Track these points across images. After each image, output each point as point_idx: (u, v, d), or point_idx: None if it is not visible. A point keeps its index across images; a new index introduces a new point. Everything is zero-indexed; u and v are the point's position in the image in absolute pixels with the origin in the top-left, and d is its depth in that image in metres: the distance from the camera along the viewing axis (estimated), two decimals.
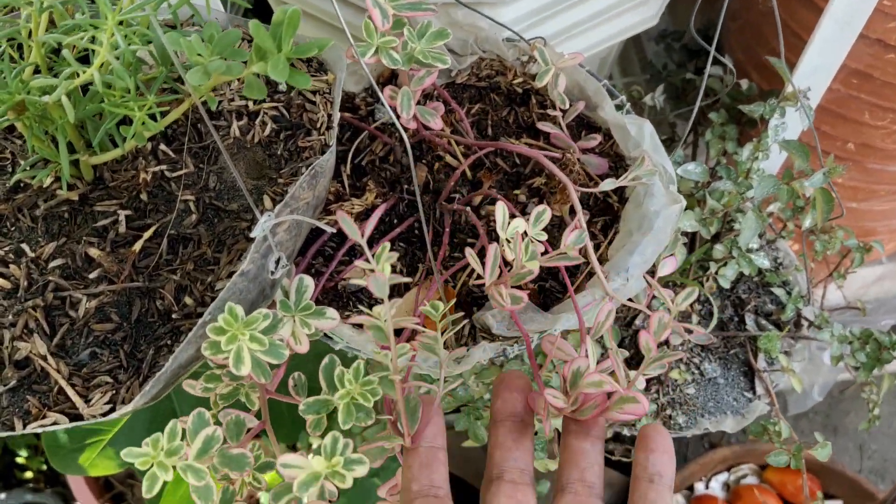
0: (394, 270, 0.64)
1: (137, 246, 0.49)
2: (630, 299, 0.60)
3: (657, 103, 0.88)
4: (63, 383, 0.45)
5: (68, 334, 0.47)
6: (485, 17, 0.68)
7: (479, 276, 0.62)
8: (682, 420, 0.78)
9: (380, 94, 0.45)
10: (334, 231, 0.57)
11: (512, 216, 0.61)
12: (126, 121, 0.46)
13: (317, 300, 0.62)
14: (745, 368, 0.82)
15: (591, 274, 0.61)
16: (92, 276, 0.48)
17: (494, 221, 0.65)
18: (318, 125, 0.55)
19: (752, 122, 0.81)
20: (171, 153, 0.52)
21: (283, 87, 0.56)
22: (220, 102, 0.54)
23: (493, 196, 0.63)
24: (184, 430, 0.44)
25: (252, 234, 0.45)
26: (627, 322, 0.83)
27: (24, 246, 0.49)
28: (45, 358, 0.46)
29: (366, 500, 1.13)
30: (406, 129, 0.68)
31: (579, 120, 0.69)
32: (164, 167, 0.51)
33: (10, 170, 0.52)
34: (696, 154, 0.92)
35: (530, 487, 0.45)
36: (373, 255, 0.64)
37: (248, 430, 0.49)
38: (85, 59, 0.52)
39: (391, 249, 0.65)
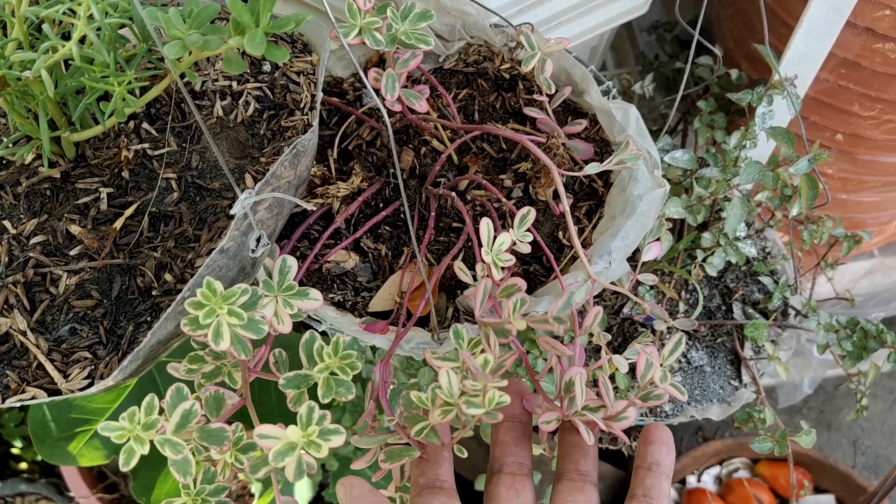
0: (379, 254, 0.64)
1: (119, 223, 0.49)
2: (614, 283, 0.60)
3: (646, 92, 0.88)
4: (42, 358, 0.45)
5: (48, 310, 0.47)
6: (472, 3, 0.68)
7: (463, 259, 0.62)
8: (667, 407, 0.78)
9: (362, 75, 0.45)
10: (314, 209, 0.57)
11: (497, 201, 0.61)
12: (107, 97, 0.47)
13: (301, 282, 0.62)
14: (732, 357, 0.82)
15: (576, 258, 0.61)
16: (73, 252, 0.49)
17: (480, 206, 0.65)
18: (302, 105, 0.55)
19: (741, 111, 0.81)
20: (153, 132, 0.52)
21: (267, 68, 0.56)
22: (203, 82, 0.55)
23: (478, 181, 0.64)
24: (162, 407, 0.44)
25: (232, 212, 0.45)
26: (616, 310, 0.83)
27: (6, 222, 0.49)
28: (24, 333, 0.46)
29: None
30: (392, 113, 0.68)
31: (566, 105, 0.69)
32: (146, 145, 0.51)
33: None
34: (686, 143, 0.92)
35: (528, 479, 0.50)
36: (358, 239, 0.64)
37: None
38: (70, 37, 0.52)
39: (377, 232, 0.65)
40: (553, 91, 0.65)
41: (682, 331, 0.82)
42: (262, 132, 0.53)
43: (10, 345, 0.46)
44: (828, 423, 1.63)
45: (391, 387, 0.83)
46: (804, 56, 0.74)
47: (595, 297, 0.86)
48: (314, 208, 0.52)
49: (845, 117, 0.87)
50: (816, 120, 0.90)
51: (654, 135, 0.80)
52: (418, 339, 0.58)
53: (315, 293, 0.49)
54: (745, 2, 0.90)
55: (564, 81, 0.68)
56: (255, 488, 1.23)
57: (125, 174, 0.51)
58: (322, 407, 0.45)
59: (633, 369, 0.80)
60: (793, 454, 0.71)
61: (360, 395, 0.97)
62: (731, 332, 0.83)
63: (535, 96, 0.67)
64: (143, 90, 0.48)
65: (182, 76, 0.46)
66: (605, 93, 0.67)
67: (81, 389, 0.44)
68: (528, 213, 0.54)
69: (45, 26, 0.43)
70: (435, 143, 0.68)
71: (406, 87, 0.61)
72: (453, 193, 0.64)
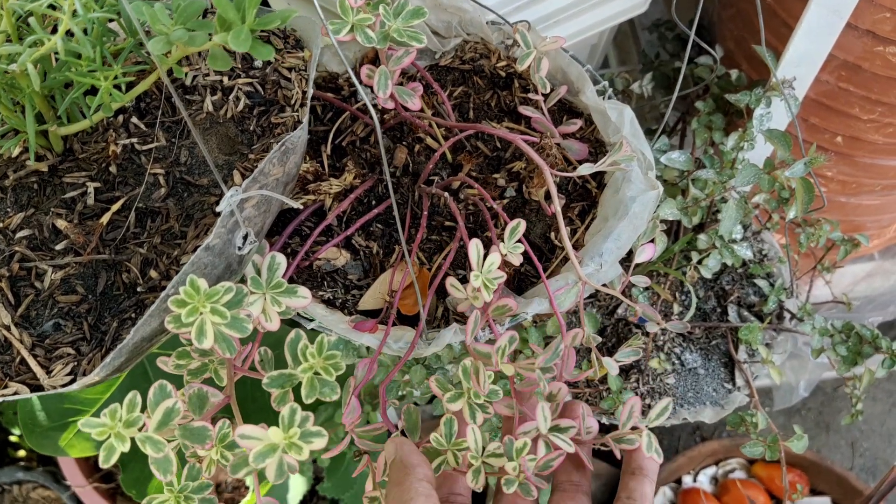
0: (371, 251, 0.64)
1: (105, 218, 0.49)
2: (605, 285, 0.59)
3: (645, 91, 0.88)
4: (25, 354, 0.45)
5: (33, 305, 0.47)
6: (469, 0, 0.67)
7: (454, 261, 0.62)
8: None
9: (351, 73, 0.44)
10: (301, 207, 0.57)
11: (489, 205, 0.61)
12: (95, 92, 0.46)
13: (291, 279, 0.62)
14: (726, 359, 0.81)
15: (567, 259, 0.61)
16: (59, 247, 0.48)
17: (473, 205, 0.65)
18: (293, 102, 0.54)
19: (740, 112, 0.81)
20: (142, 126, 0.52)
21: (258, 63, 0.56)
22: (194, 77, 0.54)
23: (469, 184, 0.63)
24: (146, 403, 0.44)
25: (218, 209, 0.45)
26: (610, 310, 0.83)
27: None
28: (8, 328, 0.46)
29: (350, 486, 1.13)
30: (386, 110, 0.68)
31: (561, 105, 0.69)
32: (134, 140, 0.51)
33: None
34: (684, 143, 0.91)
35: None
36: (349, 236, 0.64)
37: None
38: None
39: (369, 230, 0.65)
40: (548, 90, 0.65)
41: (677, 333, 0.82)
42: (251, 128, 0.53)
43: None
44: (826, 425, 1.63)
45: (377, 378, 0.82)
46: (803, 58, 0.73)
47: (590, 297, 0.86)
48: (301, 206, 0.52)
49: (845, 120, 0.86)
50: (816, 122, 0.89)
51: (653, 134, 0.80)
52: (407, 339, 0.58)
53: (304, 291, 0.49)
54: (746, 2, 0.89)
55: (560, 80, 0.68)
56: (250, 480, 1.24)
57: (113, 169, 0.51)
58: (307, 407, 0.45)
59: (624, 371, 0.80)
60: (789, 456, 0.71)
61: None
62: (726, 334, 0.82)
63: (531, 95, 0.67)
64: (132, 85, 0.48)
65: (169, 72, 0.46)
66: (601, 92, 0.66)
67: (63, 386, 0.44)
68: (518, 226, 0.54)
69: (32, 20, 0.43)
70: (429, 140, 0.67)
71: (401, 83, 0.61)
72: (446, 193, 0.63)
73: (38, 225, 0.49)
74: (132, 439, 0.43)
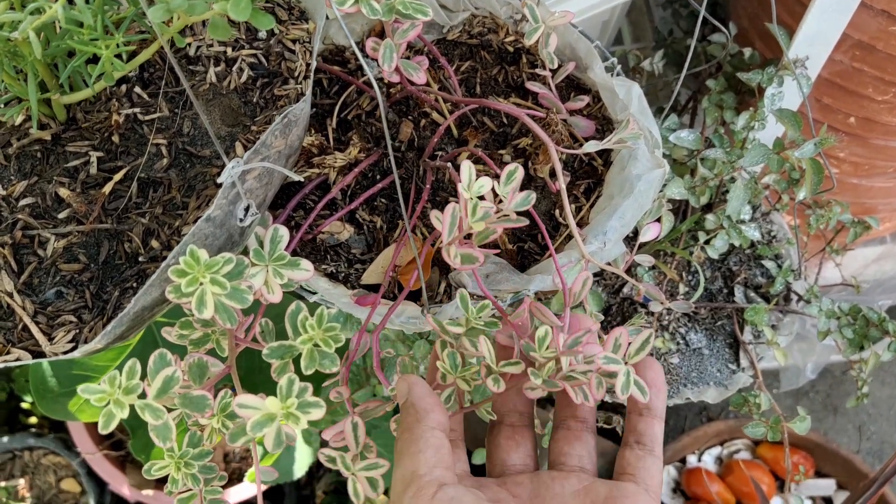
0: (374, 226, 0.64)
1: (108, 188, 0.49)
2: (609, 263, 0.59)
3: (655, 69, 0.87)
4: (27, 320, 0.46)
5: (35, 273, 0.47)
6: None
7: None
8: None
9: (353, 45, 0.44)
10: (303, 180, 0.57)
11: (495, 176, 0.60)
12: (97, 61, 0.46)
13: (295, 252, 0.62)
14: (731, 340, 0.81)
15: (571, 237, 0.61)
16: (61, 216, 0.49)
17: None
18: (296, 74, 0.54)
19: (752, 91, 0.80)
20: (145, 96, 0.52)
21: (262, 35, 0.56)
22: (198, 47, 0.54)
23: (476, 154, 0.63)
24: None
25: (219, 180, 0.45)
26: (616, 289, 0.83)
27: None
28: (11, 295, 0.46)
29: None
30: (392, 84, 0.68)
31: (569, 81, 0.68)
32: (137, 110, 0.51)
33: None
34: (695, 122, 0.90)
35: (528, 429, 0.50)
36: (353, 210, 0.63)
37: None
38: None
39: (373, 204, 0.65)
40: (556, 66, 0.64)
41: (682, 313, 0.82)
42: (255, 100, 0.53)
43: None
44: (834, 408, 1.62)
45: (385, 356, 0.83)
46: (817, 36, 0.72)
47: (596, 276, 0.86)
48: (303, 179, 0.52)
49: (859, 100, 0.85)
50: (829, 102, 0.88)
51: (664, 113, 0.79)
52: (409, 314, 0.58)
53: (306, 263, 0.49)
54: None
55: (569, 56, 0.67)
56: (259, 448, 1.25)
57: (115, 138, 0.51)
58: (306, 378, 0.45)
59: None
60: (794, 438, 0.71)
61: (359, 363, 0.97)
62: (732, 315, 0.82)
63: (539, 71, 0.66)
64: (135, 54, 0.48)
65: (172, 42, 0.45)
66: (610, 69, 0.65)
67: (65, 353, 0.44)
68: (516, 171, 0.50)
69: None
70: (435, 115, 0.67)
71: (407, 57, 0.60)
72: (449, 165, 0.63)
73: (41, 193, 0.49)
74: (132, 406, 0.43)
